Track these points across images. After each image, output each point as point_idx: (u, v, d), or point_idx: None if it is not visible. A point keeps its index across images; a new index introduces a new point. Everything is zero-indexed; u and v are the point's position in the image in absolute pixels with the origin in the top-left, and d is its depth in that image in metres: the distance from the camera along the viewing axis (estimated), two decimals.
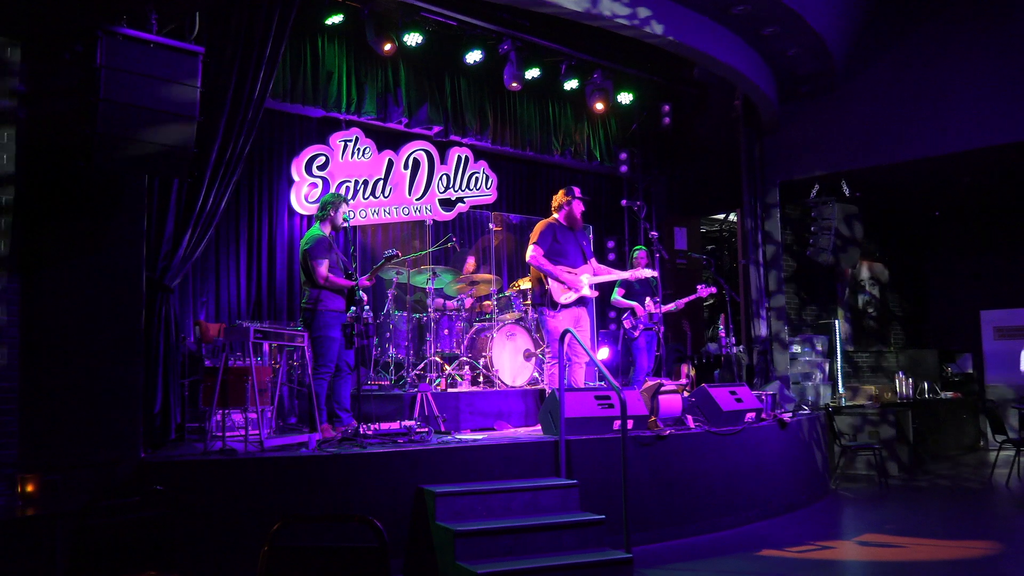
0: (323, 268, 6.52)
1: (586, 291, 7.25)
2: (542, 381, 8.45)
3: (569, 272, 7.19)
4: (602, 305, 10.64)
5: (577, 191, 7.46)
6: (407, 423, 6.30)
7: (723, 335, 9.14)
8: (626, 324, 9.01)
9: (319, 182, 8.90)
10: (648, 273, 7.88)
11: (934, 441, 11.49)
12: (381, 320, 8.13)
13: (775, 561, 5.89)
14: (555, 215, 7.44)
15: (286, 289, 8.74)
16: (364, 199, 9.19)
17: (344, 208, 6.80)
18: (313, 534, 4.83)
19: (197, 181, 5.93)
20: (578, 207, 7.41)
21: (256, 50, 6.24)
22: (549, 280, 7.14)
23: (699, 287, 9.16)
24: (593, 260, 7.49)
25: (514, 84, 9.29)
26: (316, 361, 6.50)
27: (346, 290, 6.63)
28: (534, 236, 7.28)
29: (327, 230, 6.74)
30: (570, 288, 7.16)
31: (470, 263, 9.32)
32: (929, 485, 9.26)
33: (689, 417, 7.18)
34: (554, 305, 7.13)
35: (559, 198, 7.46)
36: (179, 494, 4.86)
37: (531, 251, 7.19)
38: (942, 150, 9.97)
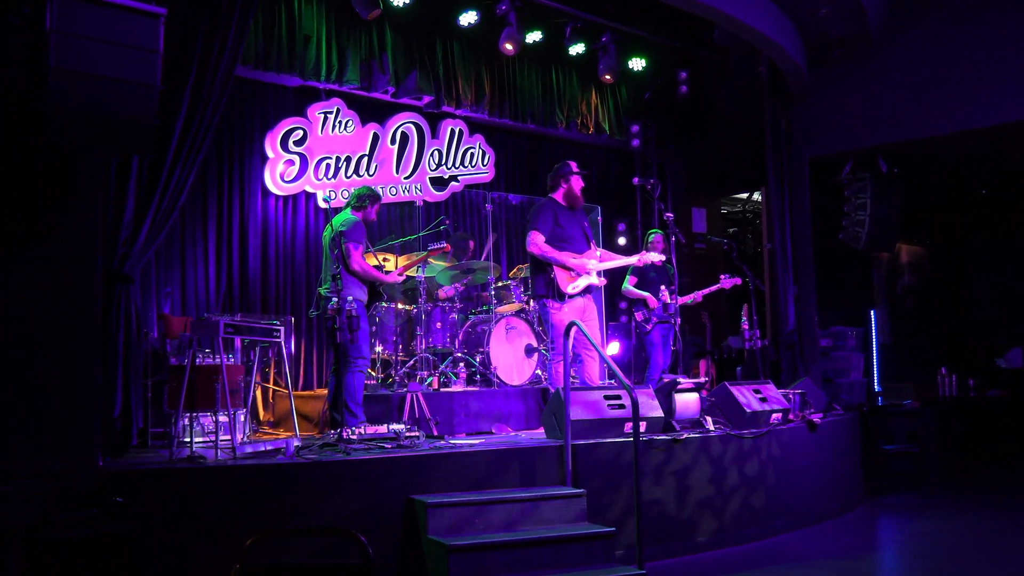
0: (358, 252, 6.77)
1: (594, 279, 7.23)
2: (545, 380, 8.45)
3: (575, 258, 7.15)
4: (611, 296, 10.64)
5: (575, 165, 7.42)
6: (396, 426, 6.29)
7: (746, 327, 9.13)
8: (638, 317, 9.00)
9: (296, 159, 8.88)
10: (656, 257, 7.84)
11: (981, 444, 11.51)
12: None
13: None
14: (552, 194, 7.42)
15: (260, 278, 8.72)
16: (347, 178, 9.17)
17: (379, 207, 7.30)
18: (291, 550, 4.83)
19: (160, 158, 5.90)
20: (577, 183, 7.36)
21: (225, 11, 6.20)
22: (554, 268, 7.10)
23: (722, 277, 9.14)
24: (593, 244, 7.47)
25: (508, 46, 9.25)
26: (349, 354, 6.57)
27: (373, 283, 6.95)
28: (533, 220, 7.22)
29: (360, 218, 7.01)
30: (577, 276, 7.12)
31: (470, 247, 9.31)
32: (976, 493, 9.26)
33: (708, 419, 7.18)
34: (561, 296, 7.08)
35: (555, 175, 7.43)
36: (142, 506, 4.85)
37: (531, 237, 7.13)
38: (990, 121, 9.94)
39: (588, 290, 7.25)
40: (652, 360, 8.97)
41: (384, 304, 8.18)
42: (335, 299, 6.29)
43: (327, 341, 8.79)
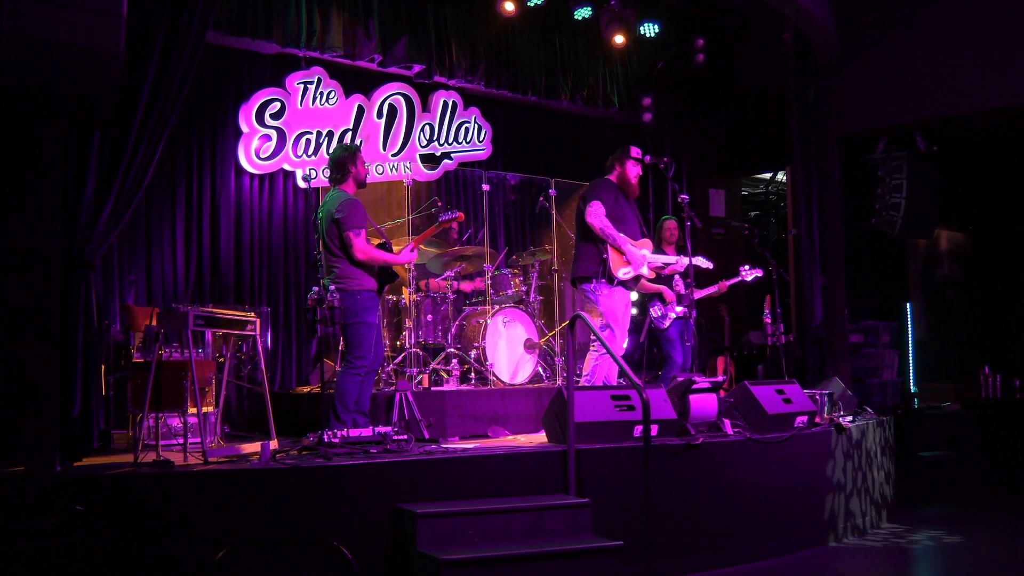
0: (361, 239, 6.51)
1: (644, 270, 7.38)
2: (547, 378, 8.48)
3: (631, 243, 7.30)
4: None
5: (634, 151, 7.55)
6: (382, 429, 6.32)
7: (769, 321, 9.14)
8: (653, 312, 8.99)
9: (273, 134, 8.88)
10: (706, 264, 7.93)
11: None
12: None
13: None
14: (607, 176, 7.56)
15: (233, 265, 8.74)
16: (328, 155, 9.16)
17: (363, 157, 6.88)
18: (267, 563, 4.86)
19: (123, 133, 5.90)
20: (632, 169, 7.50)
21: None
22: (608, 248, 7.20)
23: (742, 269, 9.13)
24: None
25: (507, 4, 9.25)
26: (350, 352, 6.53)
27: (379, 266, 6.70)
28: (593, 192, 7.34)
29: (353, 191, 6.76)
30: (630, 263, 7.23)
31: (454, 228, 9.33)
32: (1022, 505, 9.27)
33: (727, 421, 7.20)
34: (611, 279, 7.18)
35: (612, 156, 7.60)
36: (104, 515, 4.88)
37: (592, 207, 7.22)
38: None
39: (635, 280, 7.36)
40: (671, 358, 8.98)
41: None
42: (315, 288, 6.28)
43: (306, 335, 8.82)
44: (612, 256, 7.21)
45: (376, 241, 7.05)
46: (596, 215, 7.19)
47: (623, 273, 7.21)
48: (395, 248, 7.11)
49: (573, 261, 7.55)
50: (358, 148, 6.94)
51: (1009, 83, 10.06)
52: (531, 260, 9.04)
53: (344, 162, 6.76)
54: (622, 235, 7.23)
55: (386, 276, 6.84)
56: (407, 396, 7.19)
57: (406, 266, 8.15)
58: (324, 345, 6.70)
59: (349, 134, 9.34)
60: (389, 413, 7.15)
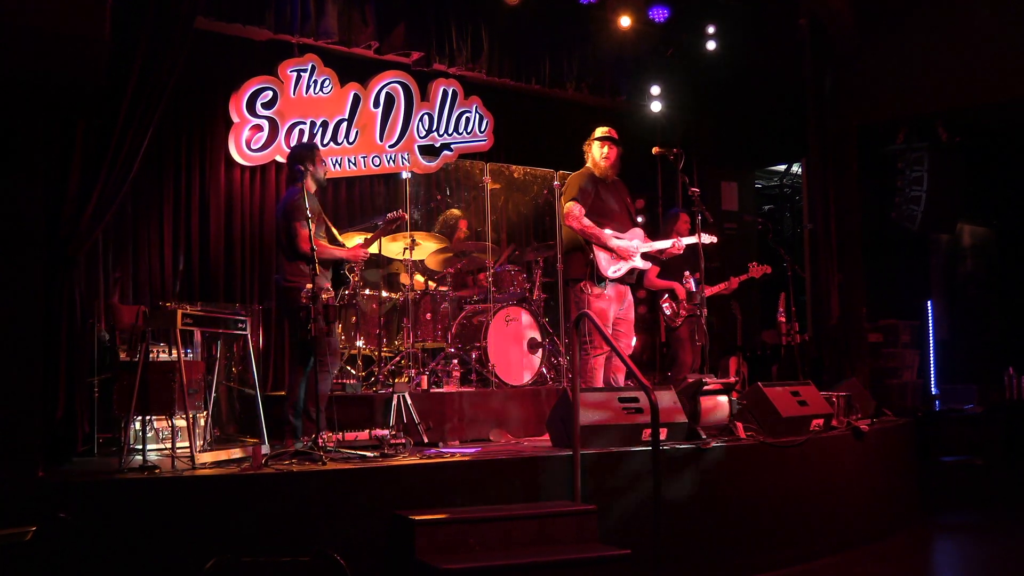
0: (305, 232, 6.40)
1: (638, 262, 7.39)
2: (551, 379, 8.47)
3: (618, 238, 7.29)
4: None
5: (598, 130, 7.55)
6: (379, 432, 6.31)
7: (783, 320, 9.14)
8: (666, 310, 9.00)
9: (265, 124, 8.87)
10: (710, 239, 7.92)
11: None
12: (345, 301, 8.11)
13: None
14: (587, 165, 7.62)
15: (223, 262, 8.73)
16: (323, 145, 9.16)
17: (322, 155, 6.92)
18: (258, 573, 4.85)
19: (108, 124, 5.91)
20: (600, 150, 7.51)
21: None
22: (594, 247, 7.21)
23: (751, 265, 9.14)
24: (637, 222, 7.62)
25: None
26: (326, 351, 6.53)
27: (332, 263, 6.72)
28: (570, 190, 7.40)
29: (313, 190, 6.78)
30: (620, 258, 7.24)
31: (462, 227, 9.31)
32: None
33: (739, 424, 7.20)
34: (600, 279, 7.21)
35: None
36: (88, 522, 4.88)
37: (569, 209, 7.29)
38: None
39: (631, 274, 7.37)
40: (679, 359, 8.98)
41: (367, 292, 8.17)
42: (308, 286, 6.27)
43: (304, 334, 8.82)
44: (601, 255, 7.22)
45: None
46: (574, 217, 7.27)
47: (614, 271, 7.24)
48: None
49: (563, 261, 7.58)
50: (317, 146, 7.11)
51: None
52: (534, 256, 9.02)
53: (303, 159, 6.77)
54: (607, 231, 7.26)
55: (338, 280, 6.86)
56: (405, 398, 7.18)
57: (403, 264, 8.14)
58: (318, 345, 6.67)
59: (344, 124, 9.32)
60: (386, 416, 7.14)
